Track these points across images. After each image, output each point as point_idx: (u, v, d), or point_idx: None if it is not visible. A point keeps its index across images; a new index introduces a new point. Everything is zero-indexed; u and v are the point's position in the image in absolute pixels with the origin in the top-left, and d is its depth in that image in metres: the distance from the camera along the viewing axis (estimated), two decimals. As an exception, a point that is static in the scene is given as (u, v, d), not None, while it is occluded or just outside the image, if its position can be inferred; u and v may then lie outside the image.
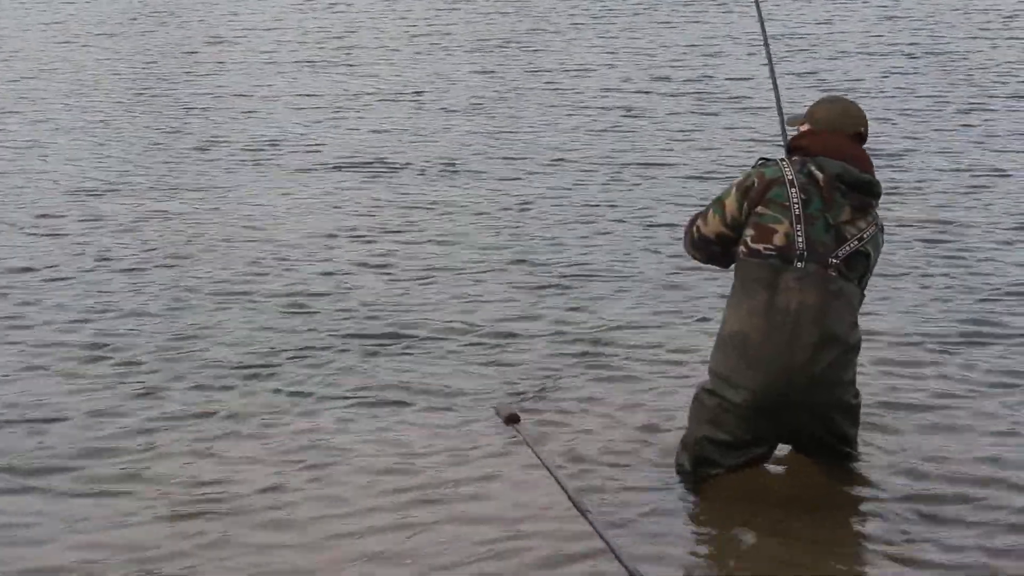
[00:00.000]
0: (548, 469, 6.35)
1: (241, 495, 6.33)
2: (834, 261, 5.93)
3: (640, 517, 6.05)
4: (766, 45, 7.51)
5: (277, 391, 7.56)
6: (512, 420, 7.01)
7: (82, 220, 11.10)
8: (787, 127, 6.62)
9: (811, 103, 6.46)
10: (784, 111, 6.94)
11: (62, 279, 9.62)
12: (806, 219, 5.94)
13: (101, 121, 14.99)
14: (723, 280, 7.64)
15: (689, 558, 5.79)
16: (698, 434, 6.15)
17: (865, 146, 6.25)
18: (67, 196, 11.89)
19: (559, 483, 6.22)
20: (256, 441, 6.92)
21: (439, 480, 6.46)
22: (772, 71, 7.23)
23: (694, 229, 6.28)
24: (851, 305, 6.00)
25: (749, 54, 17.72)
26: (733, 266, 6.15)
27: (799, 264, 5.92)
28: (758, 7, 7.74)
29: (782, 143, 6.59)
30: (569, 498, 6.08)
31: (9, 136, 14.28)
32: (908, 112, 14.54)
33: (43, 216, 11.24)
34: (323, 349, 8.18)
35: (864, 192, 6.04)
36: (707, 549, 5.89)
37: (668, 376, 7.67)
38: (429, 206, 11.43)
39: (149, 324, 8.67)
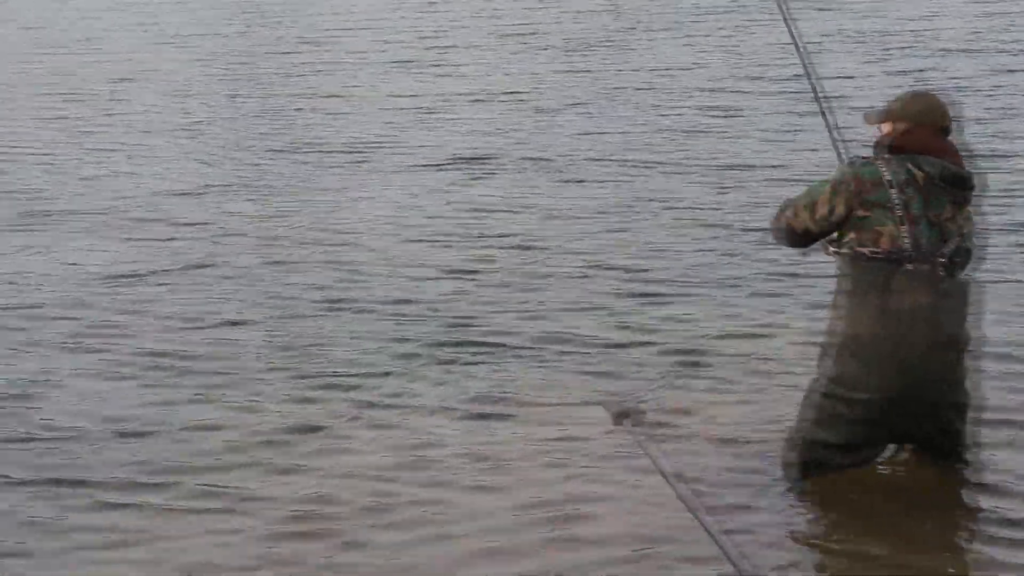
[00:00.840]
0: (662, 474, 6.32)
1: (343, 512, 6.32)
2: (941, 260, 5.92)
3: (751, 518, 6.04)
4: (796, 45, 7.31)
5: (377, 402, 7.55)
6: (622, 417, 6.98)
7: (180, 224, 11.17)
8: (867, 123, 6.51)
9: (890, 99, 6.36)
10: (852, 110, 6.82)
11: (160, 285, 9.68)
12: (910, 219, 5.91)
13: (196, 123, 15.09)
14: (824, 284, 7.55)
15: (801, 558, 5.77)
16: (809, 436, 6.13)
17: (962, 144, 6.21)
18: (163, 199, 11.98)
19: (671, 485, 6.19)
20: (357, 455, 6.91)
21: (549, 489, 6.44)
22: (808, 70, 7.12)
23: (783, 219, 6.22)
24: (962, 303, 6.01)
25: (847, 52, 17.52)
26: (837, 270, 6.10)
27: (908, 266, 5.90)
28: (781, 7, 7.51)
29: (836, 148, 6.52)
30: (680, 498, 6.06)
31: (105, 138, 14.40)
32: (1010, 111, 14.31)
33: (140, 220, 11.33)
34: (422, 357, 8.16)
35: (961, 187, 6.02)
36: (820, 552, 5.85)
37: (769, 382, 7.59)
38: (526, 209, 11.39)
39: (246, 333, 8.70)
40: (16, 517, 6.42)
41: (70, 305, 9.31)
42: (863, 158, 6.19)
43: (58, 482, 6.70)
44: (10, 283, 9.80)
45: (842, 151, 6.60)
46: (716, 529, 5.72)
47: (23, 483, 6.73)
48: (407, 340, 8.47)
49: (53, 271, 10.04)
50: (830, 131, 6.72)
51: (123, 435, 7.22)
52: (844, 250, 6.03)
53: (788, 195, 6.39)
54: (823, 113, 6.85)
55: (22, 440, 7.20)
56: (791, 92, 15.44)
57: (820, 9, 21.12)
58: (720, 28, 19.98)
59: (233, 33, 21.34)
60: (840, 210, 5.98)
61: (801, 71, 7.20)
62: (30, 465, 6.90)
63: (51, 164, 13.28)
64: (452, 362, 8.09)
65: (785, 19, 7.47)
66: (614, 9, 22.06)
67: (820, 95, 7.02)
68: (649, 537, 5.93)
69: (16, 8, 23.47)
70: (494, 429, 7.16)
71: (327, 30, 21.33)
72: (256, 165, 13.19)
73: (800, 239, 6.21)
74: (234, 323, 8.88)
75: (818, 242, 6.18)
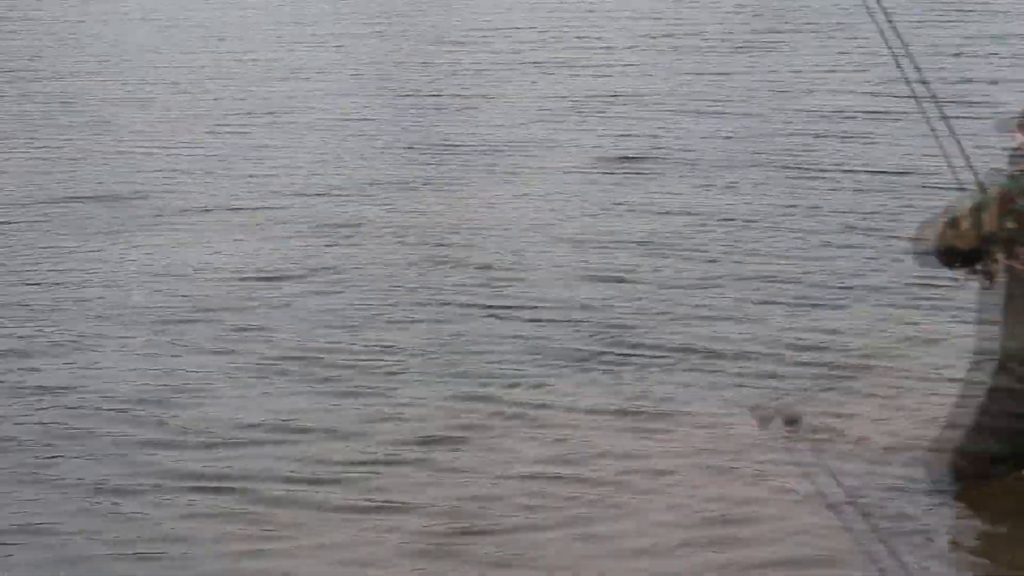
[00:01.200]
0: (834, 477, 6.31)
1: (499, 512, 6.36)
2: None
3: (915, 526, 6.04)
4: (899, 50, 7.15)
5: (529, 405, 7.59)
6: (785, 422, 6.95)
7: (328, 224, 11.23)
8: (1006, 132, 6.38)
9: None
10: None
11: (307, 285, 9.75)
12: None
13: (344, 122, 15.18)
14: (983, 294, 7.43)
15: (969, 571, 5.70)
16: (981, 446, 6.04)
17: None
18: (311, 198, 12.06)
19: (833, 491, 6.17)
20: (511, 457, 6.94)
21: (704, 491, 6.45)
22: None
23: (941, 239, 6.11)
24: None
25: (1007, 57, 17.19)
26: (1003, 282, 6.01)
27: None
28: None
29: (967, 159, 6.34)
30: (843, 504, 6.04)
31: (258, 137, 14.53)
32: None
33: (289, 219, 11.41)
34: (571, 361, 8.18)
35: None
36: (989, 563, 5.79)
37: (929, 390, 7.53)
38: (671, 212, 11.33)
39: (396, 335, 8.73)
40: (175, 513, 6.52)
41: (218, 306, 9.39)
42: (1008, 169, 6.08)
43: (217, 486, 6.77)
44: (160, 282, 9.91)
45: (982, 162, 6.47)
46: (879, 537, 5.69)
47: (178, 486, 6.80)
48: (554, 344, 8.49)
49: (201, 270, 10.17)
50: (956, 140, 6.57)
51: (278, 437, 7.30)
52: (1000, 265, 5.95)
53: (941, 203, 6.30)
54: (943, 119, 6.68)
55: (176, 444, 7.27)
56: (943, 98, 15.19)
57: (986, 12, 20.77)
58: (874, 32, 19.67)
59: (382, 32, 21.45)
60: (989, 225, 5.89)
61: (956, 75, 7.07)
62: (184, 468, 6.97)
63: (202, 162, 13.44)
64: (601, 367, 8.10)
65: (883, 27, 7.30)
66: (758, 10, 21.88)
67: (937, 100, 6.85)
68: (810, 542, 5.91)
69: (155, 7, 23.77)
70: (647, 433, 7.17)
71: (476, 29, 21.37)
72: (404, 165, 13.26)
73: (947, 257, 6.11)
74: (383, 324, 8.94)
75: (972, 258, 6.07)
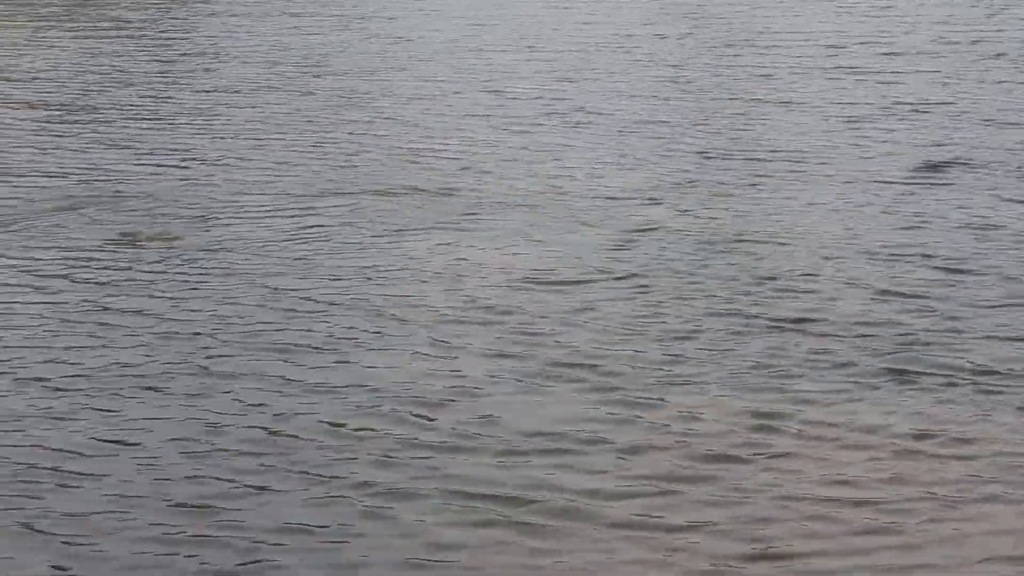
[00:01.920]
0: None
1: (780, 545, 6.21)
2: None
3: None
4: None
5: (812, 424, 7.42)
6: None
7: (612, 227, 11.17)
8: None
9: None
10: None
11: (588, 291, 9.69)
12: None
13: (632, 124, 15.15)
14: None
15: None
16: None
17: None
18: (597, 201, 12.03)
19: None
20: (795, 477, 6.81)
21: (1003, 529, 6.24)
22: None
23: None
24: None
25: None
26: None
27: None
28: None
29: None
30: None
31: (555, 138, 14.58)
32: None
33: (574, 221, 11.41)
34: (858, 379, 7.98)
35: None
36: None
37: None
38: (961, 227, 10.94)
39: (682, 346, 8.62)
40: (450, 521, 6.51)
41: (505, 308, 9.38)
42: None
43: (494, 494, 6.72)
44: (448, 281, 9.96)
45: None
46: None
47: (455, 492, 6.78)
48: (842, 360, 8.27)
49: (491, 270, 10.19)
50: None
51: (558, 446, 7.22)
52: None
53: None
54: None
55: (453, 449, 7.25)
56: None
57: None
58: None
59: (684, 34, 21.38)
60: None
61: None
62: (462, 475, 6.95)
63: (498, 161, 13.55)
64: (891, 386, 7.87)
65: None
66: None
67: None
68: None
69: (452, 3, 24.12)
70: (937, 458, 6.94)
71: (768, 34, 21.15)
72: (698, 170, 13.15)
73: None
74: (669, 334, 8.83)
75: None
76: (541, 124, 15.21)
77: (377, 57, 19.49)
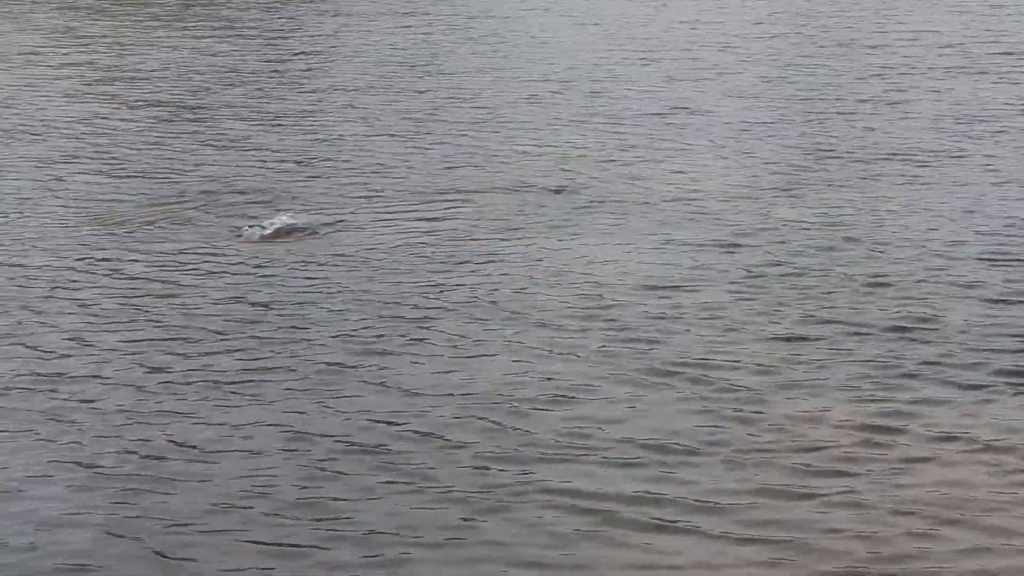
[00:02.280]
0: None
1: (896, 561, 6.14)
2: None
3: None
4: None
5: (917, 436, 7.33)
6: None
7: (723, 226, 11.10)
8: None
9: None
10: None
11: (699, 291, 9.64)
12: None
13: (746, 124, 15.03)
14: None
15: None
16: None
17: None
18: (708, 200, 11.96)
19: None
20: (912, 484, 6.71)
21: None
22: None
23: None
24: None
25: None
26: None
27: None
28: None
29: None
30: None
31: (655, 137, 14.52)
32: None
33: (687, 220, 11.34)
34: (970, 386, 7.86)
35: None
36: None
37: None
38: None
39: (798, 347, 8.55)
40: (532, 528, 6.48)
41: (612, 310, 9.34)
42: None
43: (591, 507, 6.64)
44: (548, 286, 9.92)
45: None
46: None
47: (533, 492, 6.77)
48: (954, 365, 8.16)
49: (599, 272, 10.15)
50: None
51: (653, 457, 7.15)
52: None
53: None
54: None
55: (548, 456, 7.22)
56: None
57: None
58: None
59: (796, 34, 21.19)
60: None
61: None
62: (554, 482, 6.88)
63: (604, 162, 13.51)
64: (1006, 392, 7.78)
65: None
66: None
67: None
68: None
69: (563, 3, 24.08)
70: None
71: (880, 33, 20.91)
72: (799, 170, 13.02)
73: None
74: (781, 338, 8.75)
75: None
76: (649, 124, 15.12)
77: (485, 56, 19.50)
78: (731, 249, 10.58)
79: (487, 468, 7.07)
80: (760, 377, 8.12)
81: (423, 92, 17.17)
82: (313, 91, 17.33)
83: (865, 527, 6.32)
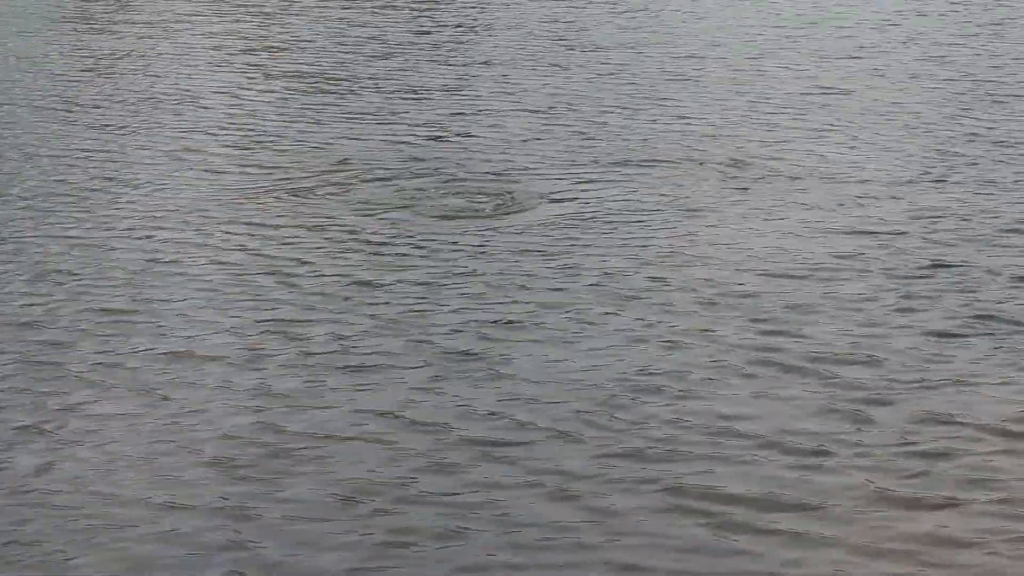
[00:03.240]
0: None
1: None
2: None
3: None
4: None
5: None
6: None
7: (876, 216, 10.81)
8: None
9: None
10: None
11: (835, 282, 9.35)
12: None
13: (901, 104, 14.65)
14: None
15: None
16: None
17: None
18: (859, 186, 11.65)
19: None
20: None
21: None
22: None
23: None
24: None
25: None
26: None
27: None
28: None
29: None
30: None
31: (805, 117, 14.21)
32: None
33: (845, 210, 11.06)
34: None
35: None
36: None
37: None
38: None
39: (939, 347, 8.24)
40: (629, 527, 6.29)
41: (740, 296, 9.10)
42: None
43: (701, 508, 6.44)
44: (692, 268, 9.70)
45: None
46: None
47: (645, 490, 6.57)
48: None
49: (736, 256, 9.89)
50: None
51: (785, 449, 6.92)
52: None
53: None
54: None
55: (661, 440, 7.04)
56: None
57: None
58: None
59: (936, 13, 20.68)
60: None
61: None
62: (663, 472, 6.72)
63: (738, 140, 13.24)
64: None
65: None
66: None
67: None
68: None
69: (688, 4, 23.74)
70: None
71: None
72: (950, 155, 12.61)
73: None
74: (927, 331, 8.44)
75: None
76: (799, 104, 14.81)
77: (631, 31, 19.26)
78: (879, 238, 10.25)
79: (608, 460, 6.87)
80: (901, 375, 7.81)
81: (568, 67, 16.99)
82: (458, 64, 17.23)
83: (1008, 543, 6.01)
